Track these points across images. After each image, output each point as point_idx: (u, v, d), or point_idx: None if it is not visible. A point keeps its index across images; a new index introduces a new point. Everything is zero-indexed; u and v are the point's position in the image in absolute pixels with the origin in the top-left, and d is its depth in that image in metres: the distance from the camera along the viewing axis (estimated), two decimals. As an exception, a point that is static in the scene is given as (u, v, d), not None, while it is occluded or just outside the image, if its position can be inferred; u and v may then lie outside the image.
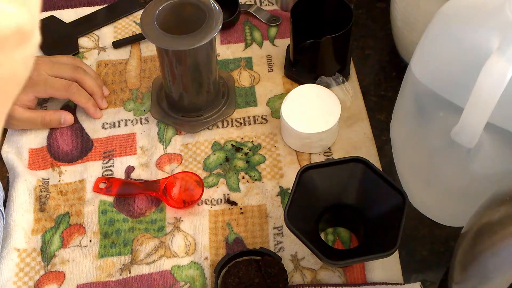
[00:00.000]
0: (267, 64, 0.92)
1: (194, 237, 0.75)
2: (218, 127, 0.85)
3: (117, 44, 0.95)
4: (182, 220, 0.76)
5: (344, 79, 0.86)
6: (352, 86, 0.87)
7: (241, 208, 0.77)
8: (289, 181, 0.79)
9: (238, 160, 0.81)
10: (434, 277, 0.72)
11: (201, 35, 0.73)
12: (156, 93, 0.87)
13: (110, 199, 0.78)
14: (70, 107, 0.88)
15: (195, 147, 0.83)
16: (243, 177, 0.80)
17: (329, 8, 0.85)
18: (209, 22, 0.74)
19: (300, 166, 0.80)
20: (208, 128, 0.85)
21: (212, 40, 0.76)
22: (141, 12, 0.99)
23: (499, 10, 0.55)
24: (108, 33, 0.97)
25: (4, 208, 0.77)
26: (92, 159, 0.82)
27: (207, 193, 0.78)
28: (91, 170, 0.81)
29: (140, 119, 0.86)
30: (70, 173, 0.81)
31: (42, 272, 0.72)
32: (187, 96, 0.83)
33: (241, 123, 0.85)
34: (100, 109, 0.87)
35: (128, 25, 0.98)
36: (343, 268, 0.72)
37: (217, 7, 0.75)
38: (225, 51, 0.94)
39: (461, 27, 0.60)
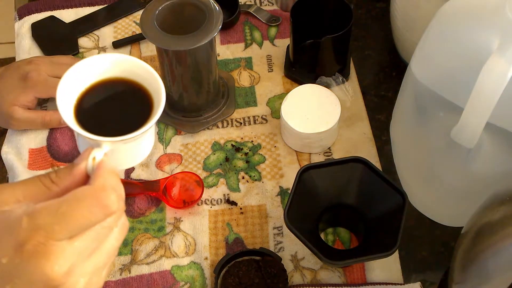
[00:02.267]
0: (267, 64, 0.92)
1: (194, 237, 0.75)
2: (218, 127, 0.85)
3: (117, 44, 0.94)
4: (182, 220, 0.76)
5: (344, 79, 0.86)
6: (352, 86, 0.87)
7: (241, 208, 0.77)
8: (289, 181, 0.79)
9: (238, 160, 0.81)
10: (434, 277, 0.72)
11: (201, 35, 0.73)
12: None
13: (110, 199, 0.78)
14: (70, 107, 0.88)
15: (195, 147, 0.83)
16: (243, 177, 0.80)
17: (329, 8, 0.85)
18: (209, 22, 0.74)
19: (300, 166, 0.80)
20: (208, 128, 0.85)
21: (212, 40, 0.76)
22: (141, 12, 0.98)
23: (499, 10, 0.55)
24: (108, 33, 0.97)
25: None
26: (92, 159, 0.82)
27: (207, 193, 0.78)
28: (91, 170, 0.81)
29: (140, 119, 0.86)
30: (70, 173, 0.81)
31: (42, 272, 0.72)
32: (187, 96, 0.83)
33: (241, 123, 0.85)
34: None
35: (128, 25, 0.98)
36: (343, 268, 0.72)
37: (217, 7, 0.75)
38: (225, 51, 0.94)
39: (461, 27, 0.60)
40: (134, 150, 0.51)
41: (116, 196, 0.41)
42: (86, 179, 0.43)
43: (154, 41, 0.73)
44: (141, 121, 0.48)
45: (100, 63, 0.49)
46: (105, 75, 0.50)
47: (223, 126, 0.85)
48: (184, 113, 0.84)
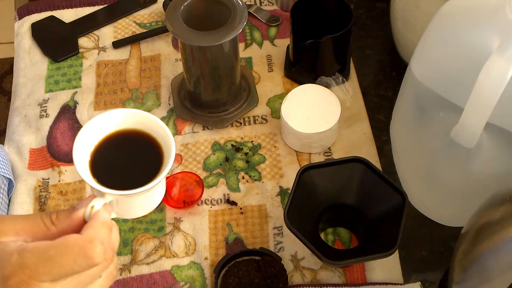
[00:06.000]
0: (267, 64, 0.92)
1: (194, 237, 0.75)
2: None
3: (117, 44, 0.94)
4: (182, 220, 0.76)
5: (344, 79, 0.86)
6: (352, 86, 0.87)
7: (241, 208, 0.77)
8: (289, 181, 0.79)
9: (238, 160, 0.81)
10: (434, 277, 0.72)
11: (227, 30, 0.72)
12: (176, 93, 0.87)
13: (110, 199, 0.78)
14: (70, 107, 0.88)
15: (195, 147, 0.83)
16: (243, 177, 0.80)
17: (329, 8, 0.85)
18: (234, 17, 0.73)
19: (300, 166, 0.80)
20: (208, 128, 0.85)
21: (237, 35, 0.75)
22: (141, 12, 0.99)
23: (499, 10, 0.55)
24: (108, 33, 0.97)
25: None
26: (92, 159, 0.82)
27: (207, 193, 0.78)
28: (91, 170, 0.81)
29: (140, 119, 0.86)
30: (70, 173, 0.81)
31: (42, 272, 0.72)
32: (214, 93, 0.82)
33: (241, 123, 0.85)
34: None
35: (128, 25, 0.98)
36: (343, 268, 0.72)
37: (240, 3, 0.75)
38: (225, 51, 0.94)
39: (461, 27, 0.60)
40: (140, 202, 0.52)
41: (101, 249, 0.43)
42: (83, 224, 0.45)
43: (181, 38, 0.72)
44: (150, 175, 0.50)
45: (114, 117, 0.52)
46: (119, 127, 0.53)
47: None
48: (211, 110, 0.84)
